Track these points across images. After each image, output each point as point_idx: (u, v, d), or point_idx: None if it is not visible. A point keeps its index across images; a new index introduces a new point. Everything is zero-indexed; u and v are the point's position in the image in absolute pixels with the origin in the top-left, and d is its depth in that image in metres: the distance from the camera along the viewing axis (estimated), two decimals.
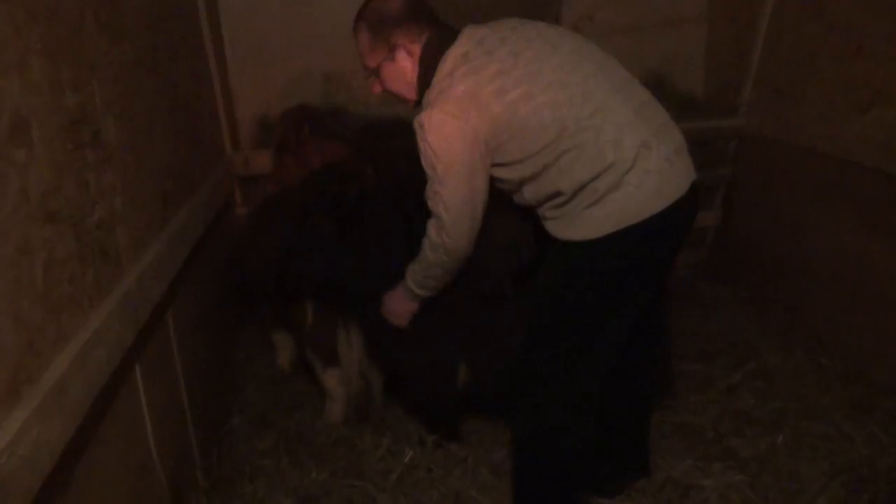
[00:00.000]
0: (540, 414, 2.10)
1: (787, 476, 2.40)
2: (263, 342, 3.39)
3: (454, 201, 1.94)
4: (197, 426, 2.33)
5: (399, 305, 2.30)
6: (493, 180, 2.00)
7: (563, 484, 2.18)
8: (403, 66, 2.06)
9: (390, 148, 2.97)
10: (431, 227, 2.04)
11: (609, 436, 2.29)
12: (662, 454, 2.52)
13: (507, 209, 2.13)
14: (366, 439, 2.68)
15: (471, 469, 2.51)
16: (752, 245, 3.76)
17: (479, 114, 1.87)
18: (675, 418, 2.74)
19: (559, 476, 2.16)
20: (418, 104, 2.06)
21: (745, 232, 3.82)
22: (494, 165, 1.96)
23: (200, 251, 2.55)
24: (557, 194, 1.92)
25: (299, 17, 3.65)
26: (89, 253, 1.53)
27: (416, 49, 2.04)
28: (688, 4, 3.82)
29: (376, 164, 2.69)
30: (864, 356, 2.93)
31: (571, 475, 2.18)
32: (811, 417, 2.69)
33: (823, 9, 3.10)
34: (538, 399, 2.08)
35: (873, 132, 2.81)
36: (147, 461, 1.84)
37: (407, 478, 2.47)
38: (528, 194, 2.00)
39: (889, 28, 2.72)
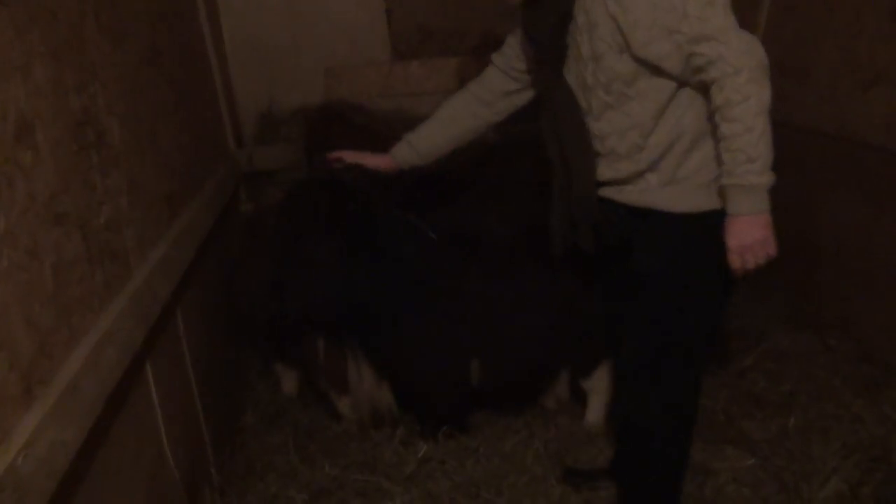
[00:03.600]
0: (686, 395, 2.07)
1: (799, 458, 2.40)
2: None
3: (735, 27, 1.76)
4: (209, 423, 2.35)
5: (754, 231, 1.85)
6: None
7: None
8: None
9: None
10: (736, 105, 1.71)
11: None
12: None
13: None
14: (378, 433, 2.69)
15: (483, 459, 2.52)
16: None
17: None
18: None
19: (686, 457, 2.13)
20: None
21: None
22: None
23: (207, 248, 2.56)
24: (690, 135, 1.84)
25: (299, 13, 3.65)
26: (97, 254, 1.54)
27: None
28: None
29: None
30: (873, 336, 2.92)
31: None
32: (822, 399, 2.69)
33: None
34: (687, 380, 2.06)
35: (877, 110, 2.79)
36: (161, 458, 1.85)
37: (420, 470, 2.48)
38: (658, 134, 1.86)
39: (890, 6, 2.70)
